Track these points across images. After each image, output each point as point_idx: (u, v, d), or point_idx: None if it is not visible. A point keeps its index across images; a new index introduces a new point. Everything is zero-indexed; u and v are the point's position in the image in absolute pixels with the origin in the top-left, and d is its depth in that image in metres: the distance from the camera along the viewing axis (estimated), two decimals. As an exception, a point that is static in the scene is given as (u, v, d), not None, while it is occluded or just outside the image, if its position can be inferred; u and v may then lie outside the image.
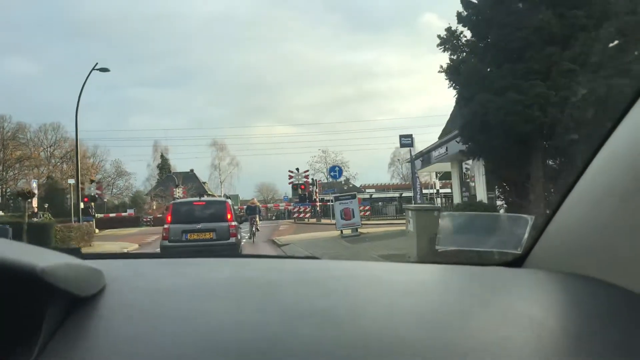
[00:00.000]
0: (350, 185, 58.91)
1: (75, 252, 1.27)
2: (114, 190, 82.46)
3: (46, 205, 48.01)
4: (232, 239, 12.99)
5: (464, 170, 22.23)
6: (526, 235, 1.48)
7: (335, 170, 24.81)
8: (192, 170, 76.74)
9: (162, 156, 78.47)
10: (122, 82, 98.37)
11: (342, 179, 46.71)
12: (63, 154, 79.04)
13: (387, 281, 1.18)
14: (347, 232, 22.34)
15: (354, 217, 22.24)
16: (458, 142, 19.31)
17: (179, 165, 77.99)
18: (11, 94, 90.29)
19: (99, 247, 25.89)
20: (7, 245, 0.90)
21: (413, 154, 24.29)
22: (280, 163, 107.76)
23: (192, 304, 0.95)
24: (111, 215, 43.81)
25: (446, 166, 25.40)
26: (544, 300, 1.06)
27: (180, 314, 0.90)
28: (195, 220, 13.01)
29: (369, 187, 66.80)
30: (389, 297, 1.03)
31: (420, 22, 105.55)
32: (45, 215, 37.23)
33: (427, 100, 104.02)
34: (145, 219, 49.16)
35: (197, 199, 15.57)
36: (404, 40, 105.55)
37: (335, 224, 22.77)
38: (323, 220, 38.53)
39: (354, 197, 22.71)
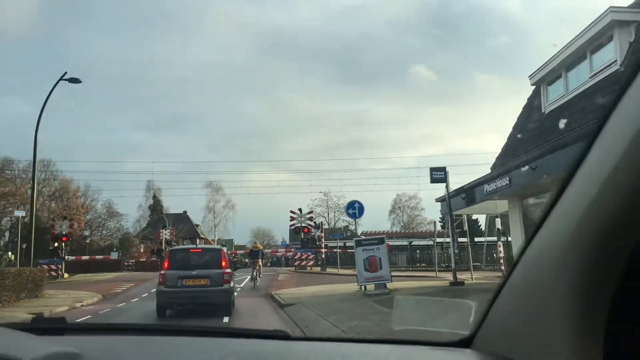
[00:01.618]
0: (349, 233, 52.69)
1: (60, 322, 1.39)
2: (104, 231, 76.80)
3: (24, 246, 42.48)
4: (226, 286, 13.19)
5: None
6: (472, 318, 1.54)
7: (355, 207, 18.66)
8: (185, 212, 70.68)
9: (154, 197, 72.57)
10: (117, 125, 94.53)
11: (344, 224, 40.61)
12: (52, 192, 73.24)
13: None
14: (370, 287, 16.29)
15: (381, 268, 16.16)
16: (534, 169, 13.60)
17: (172, 206, 72.38)
18: (3, 132, 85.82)
19: (48, 299, 19.59)
20: None
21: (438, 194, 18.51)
22: (276, 208, 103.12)
23: None
24: (84, 257, 37.37)
25: (497, 205, 19.49)
26: None
27: None
28: (191, 267, 13.27)
29: (369, 234, 59.90)
30: None
31: (409, 73, 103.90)
32: (4, 257, 30.88)
33: (421, 149, 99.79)
34: (126, 263, 42.66)
35: (194, 246, 17.31)
36: (394, 91, 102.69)
37: (356, 276, 16.77)
38: (329, 269, 32.25)
39: (381, 242, 16.65)
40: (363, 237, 19.01)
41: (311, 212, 39.08)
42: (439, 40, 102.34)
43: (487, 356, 1.26)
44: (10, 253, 43.42)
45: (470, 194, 18.79)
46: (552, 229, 1.08)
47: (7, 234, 69.82)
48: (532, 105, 16.65)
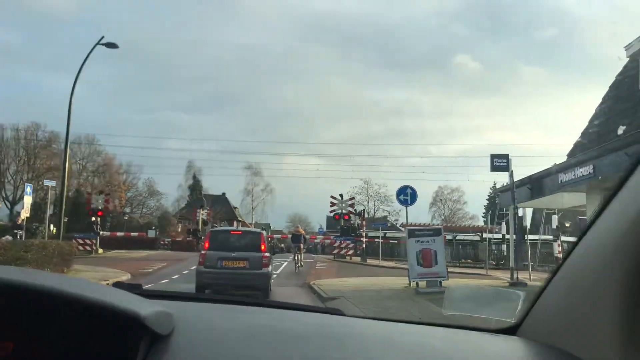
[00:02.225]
0: (389, 225, 50.43)
1: (136, 288, 1.46)
2: (144, 209, 76.75)
3: (66, 219, 42.16)
4: (264, 270, 13.14)
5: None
6: (519, 307, 1.55)
7: (407, 193, 16.16)
8: (223, 194, 69.52)
9: (194, 177, 71.75)
10: (157, 104, 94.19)
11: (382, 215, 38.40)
12: (95, 168, 73.43)
13: (399, 342, 1.27)
14: (422, 284, 14.26)
15: (436, 263, 14.07)
16: (629, 155, 11.27)
17: (211, 188, 71.39)
18: (51, 108, 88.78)
19: (75, 274, 18.26)
20: (97, 288, 1.04)
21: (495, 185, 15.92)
22: (313, 194, 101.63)
23: (244, 349, 1.05)
24: (119, 234, 36.36)
25: (565, 199, 17.05)
26: None
27: (235, 357, 1.03)
28: (231, 249, 13.24)
29: (411, 226, 57.69)
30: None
31: (453, 63, 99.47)
32: (39, 229, 29.98)
33: (461, 141, 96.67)
34: (162, 241, 41.57)
35: (235, 228, 16.77)
36: (436, 81, 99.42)
37: (399, 269, 14.77)
38: (369, 260, 30.21)
39: (438, 233, 14.55)
40: (416, 226, 16.91)
41: (352, 198, 37.05)
42: (485, 31, 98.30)
43: (533, 344, 1.28)
44: (52, 225, 43.00)
45: (538, 184, 16.43)
46: (605, 226, 1.11)
47: (51, 207, 70.32)
48: (623, 82, 14.15)
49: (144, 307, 0.95)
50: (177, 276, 19.32)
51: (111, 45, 20.07)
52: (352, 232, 31.37)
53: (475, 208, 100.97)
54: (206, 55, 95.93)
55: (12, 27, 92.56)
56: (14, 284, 0.93)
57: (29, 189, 26.86)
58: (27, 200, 26.63)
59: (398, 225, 55.92)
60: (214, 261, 12.92)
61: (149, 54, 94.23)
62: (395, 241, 39.99)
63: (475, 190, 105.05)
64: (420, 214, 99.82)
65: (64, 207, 21.71)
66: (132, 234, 40.57)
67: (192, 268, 22.01)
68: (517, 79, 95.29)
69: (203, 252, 13.50)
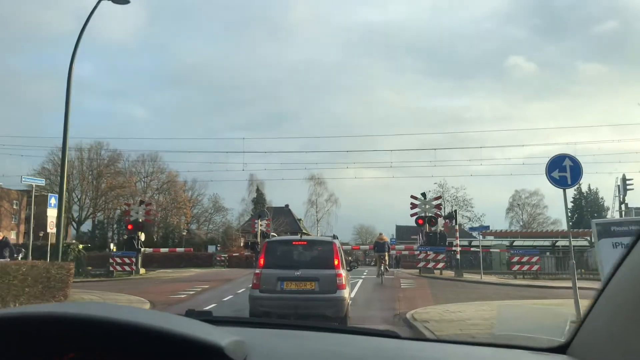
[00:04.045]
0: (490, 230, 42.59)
1: (208, 315, 1.57)
2: (210, 225, 72.92)
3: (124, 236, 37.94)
4: (340, 292, 9.42)
5: None
6: (567, 327, 1.59)
7: (564, 167, 9.18)
8: (287, 206, 64.05)
9: (257, 190, 66.85)
10: (218, 125, 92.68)
11: (461, 221, 30.95)
12: (159, 185, 70.06)
13: None
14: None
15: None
16: None
17: (275, 201, 66.30)
18: (119, 132, 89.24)
19: (72, 298, 12.71)
20: (173, 319, 1.04)
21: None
22: (376, 205, 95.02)
23: None
24: (162, 250, 30.92)
25: None
26: None
27: None
28: (294, 265, 9.72)
29: (489, 233, 49.20)
30: None
31: (506, 65, 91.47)
32: (72, 247, 24.93)
33: (526, 145, 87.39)
34: (219, 257, 35.96)
35: (297, 237, 11.77)
36: (493, 86, 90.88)
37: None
38: (466, 275, 23.12)
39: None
40: (612, 219, 10.38)
41: (439, 197, 29.98)
42: (539, 31, 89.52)
43: None
44: (112, 245, 38.57)
45: None
46: None
47: (114, 225, 67.40)
48: None
49: (221, 337, 0.98)
50: (214, 304, 13.36)
51: (120, 1, 14.57)
52: (440, 241, 24.37)
53: (557, 212, 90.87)
54: (260, 75, 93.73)
55: (85, 59, 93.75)
56: (97, 320, 0.94)
57: (53, 200, 21.63)
58: (51, 213, 21.51)
59: (472, 233, 48.01)
60: (272, 283, 9.59)
61: (206, 79, 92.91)
62: (479, 249, 32.45)
63: (557, 193, 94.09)
64: (495, 220, 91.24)
65: (63, 220, 16.12)
66: (178, 249, 35.12)
67: (239, 292, 15.97)
68: (576, 78, 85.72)
69: (257, 270, 9.90)
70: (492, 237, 45.37)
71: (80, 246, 33.36)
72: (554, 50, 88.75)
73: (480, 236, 24.71)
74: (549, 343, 1.46)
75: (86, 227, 67.11)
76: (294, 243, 10.70)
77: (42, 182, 23.47)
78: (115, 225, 68.34)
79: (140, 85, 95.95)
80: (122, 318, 0.94)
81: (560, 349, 1.38)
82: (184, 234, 54.58)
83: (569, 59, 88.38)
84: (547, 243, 36.54)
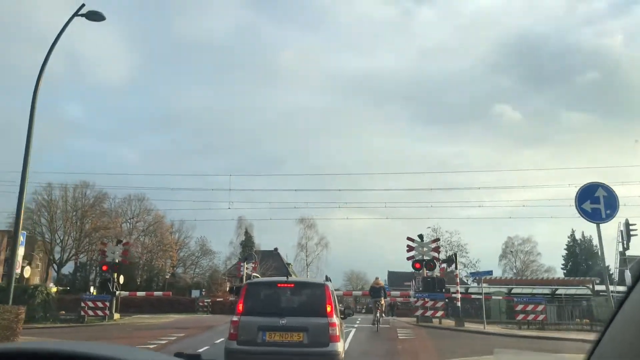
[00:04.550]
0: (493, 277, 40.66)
1: (195, 358, 1.51)
2: (196, 269, 70.27)
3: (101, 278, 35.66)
4: (333, 345, 7.83)
5: None
6: None
7: (598, 198, 7.53)
8: (276, 249, 61.92)
9: (246, 232, 64.77)
10: (207, 169, 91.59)
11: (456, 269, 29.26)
12: (145, 227, 67.71)
13: None
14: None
15: None
16: None
17: (263, 244, 64.15)
18: (108, 174, 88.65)
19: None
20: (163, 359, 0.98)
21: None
22: (367, 251, 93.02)
23: None
24: (139, 293, 28.56)
25: None
26: None
27: None
28: (279, 312, 8.14)
29: (491, 281, 47.34)
30: None
31: (493, 113, 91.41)
32: (39, 290, 22.72)
33: (516, 194, 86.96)
34: (201, 303, 33.62)
35: (283, 279, 9.46)
36: (481, 133, 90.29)
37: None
38: (467, 324, 21.13)
39: None
40: None
41: (437, 239, 28.24)
42: (524, 80, 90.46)
43: None
44: (92, 288, 36.21)
45: None
46: None
47: (97, 267, 64.66)
48: None
49: None
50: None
51: (94, 17, 13.18)
52: (439, 286, 22.49)
53: (550, 259, 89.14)
54: (249, 118, 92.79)
55: (74, 101, 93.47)
56: (92, 356, 0.92)
57: (20, 238, 19.66)
58: (20, 252, 19.50)
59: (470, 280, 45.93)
60: (252, 333, 8.01)
61: (195, 121, 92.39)
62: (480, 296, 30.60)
63: (548, 241, 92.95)
64: (488, 267, 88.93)
65: (17, 261, 14.22)
66: (156, 293, 32.74)
67: (217, 342, 13.96)
68: (561, 127, 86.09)
69: (235, 318, 8.24)
70: (486, 285, 43.41)
71: (54, 289, 31.06)
72: (539, 99, 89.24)
73: (482, 283, 22.74)
74: None
75: (68, 269, 64.36)
76: (279, 285, 9.02)
77: None
78: (97, 268, 65.65)
79: (130, 127, 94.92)
80: (112, 355, 0.90)
81: None
82: (167, 277, 52.01)
83: (554, 107, 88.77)
84: (546, 291, 34.62)
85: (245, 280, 31.02)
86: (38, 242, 60.83)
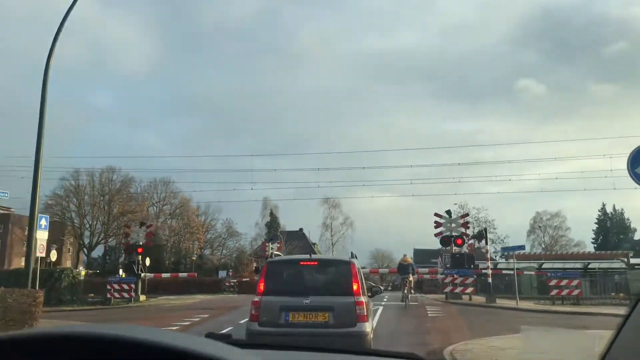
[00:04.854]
0: (500, 249, 39.62)
1: (228, 337, 1.49)
2: (224, 251, 70.67)
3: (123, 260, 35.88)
4: (360, 325, 7.28)
5: None
6: (596, 348, 1.41)
7: None
8: (301, 230, 61.71)
9: (271, 214, 64.66)
10: (231, 151, 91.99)
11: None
12: (172, 210, 68.09)
13: None
14: None
15: None
16: None
17: (289, 225, 64.02)
18: (134, 159, 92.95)
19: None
20: (195, 340, 1.00)
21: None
22: (392, 230, 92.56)
23: None
24: (164, 275, 28.51)
25: None
26: None
27: None
28: (302, 292, 7.63)
29: (523, 257, 46.08)
30: None
31: (517, 88, 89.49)
32: (66, 272, 22.69)
33: (544, 168, 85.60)
34: (227, 283, 33.52)
35: (306, 257, 8.58)
36: (506, 109, 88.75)
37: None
38: (499, 301, 20.37)
39: None
40: None
41: (466, 214, 27.39)
42: (549, 54, 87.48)
43: None
44: (122, 270, 36.46)
45: None
46: None
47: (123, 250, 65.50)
48: None
49: (243, 358, 0.98)
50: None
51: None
52: (468, 262, 21.76)
53: (580, 233, 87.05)
54: (272, 102, 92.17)
55: (102, 90, 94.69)
56: (133, 340, 0.93)
57: (43, 222, 19.43)
58: (41, 236, 19.26)
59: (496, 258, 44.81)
60: (274, 314, 7.49)
61: (218, 105, 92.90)
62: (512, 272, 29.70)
63: (578, 215, 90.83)
64: (516, 243, 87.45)
65: (36, 245, 13.97)
66: (181, 274, 32.64)
67: (241, 322, 13.59)
68: (589, 99, 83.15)
69: (256, 298, 7.74)
70: (516, 261, 42.33)
71: (83, 272, 31.27)
72: (565, 72, 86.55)
73: (514, 258, 21.87)
74: None
75: (98, 252, 65.34)
76: (301, 263, 8.43)
77: (5, 195, 20.87)
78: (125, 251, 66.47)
79: (154, 113, 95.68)
80: (145, 338, 0.92)
81: None
82: (194, 259, 52.27)
83: (581, 80, 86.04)
84: (578, 265, 33.49)
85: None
86: (68, 227, 61.82)
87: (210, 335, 1.53)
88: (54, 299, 20.69)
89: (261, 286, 7.89)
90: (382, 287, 35.25)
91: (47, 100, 12.94)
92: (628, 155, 7.67)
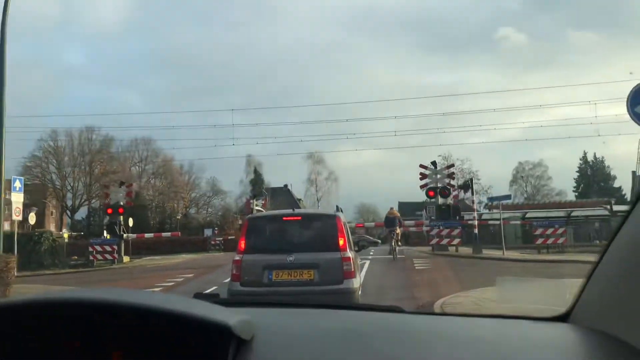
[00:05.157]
0: (487, 199, 39.71)
1: (215, 296, 1.55)
2: (209, 209, 70.22)
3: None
4: (348, 282, 7.00)
5: None
6: (567, 295, 1.53)
7: None
8: (286, 186, 61.35)
9: (255, 171, 64.01)
10: (213, 108, 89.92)
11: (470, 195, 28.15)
12: (155, 170, 67.05)
13: (451, 335, 1.23)
14: None
15: None
16: None
17: (274, 182, 63.54)
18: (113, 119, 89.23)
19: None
20: (184, 301, 1.04)
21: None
22: (375, 185, 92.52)
23: (316, 350, 1.07)
24: (147, 235, 28.09)
25: None
26: (579, 356, 1.13)
27: (309, 358, 1.04)
28: (286, 249, 7.24)
29: (508, 207, 46.28)
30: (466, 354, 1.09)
31: (502, 38, 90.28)
32: (44, 235, 22.07)
33: (524, 118, 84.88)
34: (213, 242, 33.30)
35: (289, 211, 8.23)
36: (487, 59, 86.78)
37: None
38: (485, 252, 20.36)
39: None
40: None
41: (452, 165, 27.13)
42: (529, 1, 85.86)
43: (583, 330, 1.26)
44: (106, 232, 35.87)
45: None
46: None
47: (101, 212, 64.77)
48: None
49: (230, 317, 0.98)
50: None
51: None
52: (454, 214, 21.63)
53: (561, 182, 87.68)
54: (251, 56, 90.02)
55: (72, 47, 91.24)
56: (119, 304, 0.95)
57: (17, 184, 18.62)
58: (15, 198, 18.52)
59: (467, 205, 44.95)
60: (256, 273, 7.13)
61: (197, 60, 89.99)
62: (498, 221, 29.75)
63: (559, 165, 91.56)
64: (499, 193, 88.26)
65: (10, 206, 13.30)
66: (164, 234, 32.27)
67: (226, 281, 13.29)
68: (569, 48, 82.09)
69: (237, 257, 7.36)
70: (498, 210, 42.64)
71: (66, 235, 30.65)
72: (544, 19, 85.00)
73: (501, 208, 21.77)
74: (550, 312, 1.44)
75: (82, 214, 64.47)
76: (284, 219, 8.02)
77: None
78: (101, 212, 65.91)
79: (130, 70, 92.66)
80: (128, 300, 0.94)
81: (562, 318, 1.38)
82: (179, 218, 51.84)
83: (561, 27, 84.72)
84: (561, 214, 33.74)
85: (255, 217, 30.33)
86: (50, 190, 60.69)
87: (197, 296, 1.52)
88: (35, 263, 20.18)
89: (242, 244, 7.54)
90: (379, 241, 35.14)
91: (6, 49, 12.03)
92: (626, 96, 7.20)
